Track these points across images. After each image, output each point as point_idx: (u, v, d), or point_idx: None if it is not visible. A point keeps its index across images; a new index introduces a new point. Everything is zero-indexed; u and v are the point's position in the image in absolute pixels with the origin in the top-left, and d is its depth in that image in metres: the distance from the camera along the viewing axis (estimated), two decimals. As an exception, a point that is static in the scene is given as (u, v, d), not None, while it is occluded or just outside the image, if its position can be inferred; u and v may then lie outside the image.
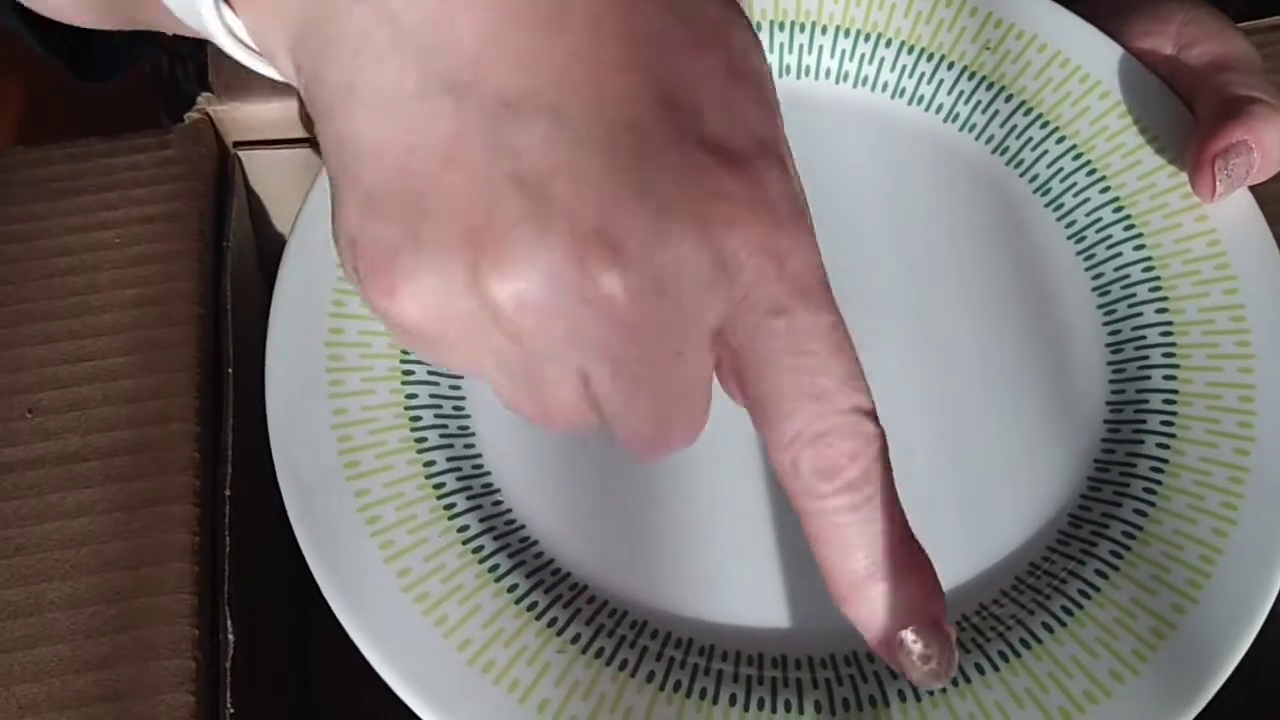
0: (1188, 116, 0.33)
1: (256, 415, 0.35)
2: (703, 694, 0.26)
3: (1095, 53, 0.34)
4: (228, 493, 0.31)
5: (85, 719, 0.28)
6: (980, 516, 0.29)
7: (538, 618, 0.27)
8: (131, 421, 0.31)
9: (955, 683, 0.26)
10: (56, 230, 0.34)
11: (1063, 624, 0.27)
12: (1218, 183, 0.31)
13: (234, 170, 0.37)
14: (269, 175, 0.39)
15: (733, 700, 0.26)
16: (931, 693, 0.26)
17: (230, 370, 0.32)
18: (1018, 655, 0.27)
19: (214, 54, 0.38)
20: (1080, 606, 0.27)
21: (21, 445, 0.31)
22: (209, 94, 0.37)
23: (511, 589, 0.27)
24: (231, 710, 0.28)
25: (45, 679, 0.28)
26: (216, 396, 0.32)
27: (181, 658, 0.28)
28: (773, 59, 0.35)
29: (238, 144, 0.38)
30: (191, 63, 0.52)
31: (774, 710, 0.26)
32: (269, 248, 0.42)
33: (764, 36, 0.34)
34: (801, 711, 0.26)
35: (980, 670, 0.27)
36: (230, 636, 0.29)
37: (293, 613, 0.43)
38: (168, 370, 0.32)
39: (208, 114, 0.37)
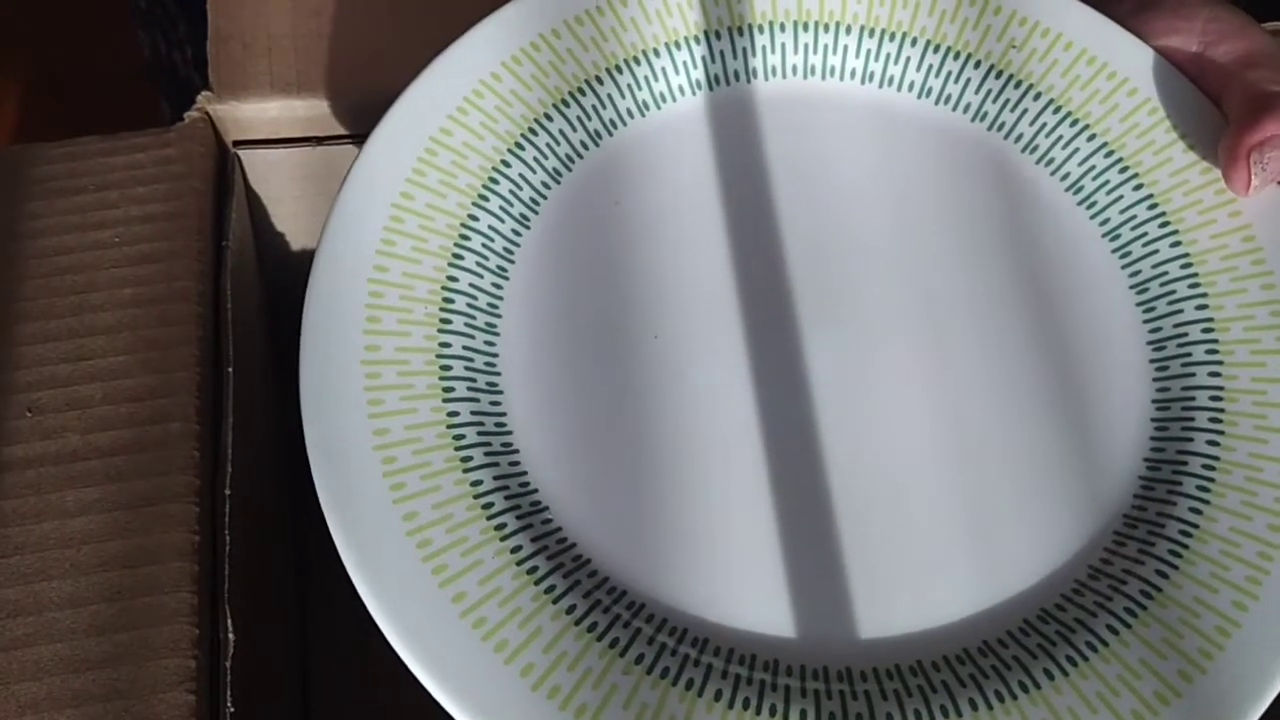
0: (1215, 114, 0.33)
1: (256, 415, 0.35)
2: (773, 710, 0.26)
3: (1122, 50, 0.34)
4: (228, 492, 0.31)
5: (85, 718, 0.27)
6: (1042, 523, 0.29)
7: (599, 639, 0.26)
8: (131, 421, 0.31)
9: (1025, 689, 0.26)
10: (55, 229, 0.34)
11: (1128, 625, 0.27)
12: (1253, 176, 0.31)
13: (234, 169, 0.37)
14: (269, 175, 0.39)
15: (803, 716, 0.26)
16: (1003, 699, 0.26)
17: (230, 370, 0.32)
18: (1085, 660, 0.27)
19: (214, 51, 0.38)
20: (1144, 607, 0.27)
21: (21, 444, 0.31)
22: (209, 93, 0.37)
23: (570, 610, 0.26)
24: (231, 710, 0.28)
25: (45, 678, 0.28)
26: (216, 396, 0.32)
27: (181, 657, 0.28)
28: (797, 60, 0.34)
29: (237, 143, 0.38)
30: (189, 47, 0.52)
31: None
32: (269, 247, 0.42)
33: (788, 37, 0.34)
34: None
35: (1050, 675, 0.27)
36: (230, 636, 0.29)
37: (293, 613, 0.43)
38: (168, 370, 0.32)
39: (207, 113, 0.37)
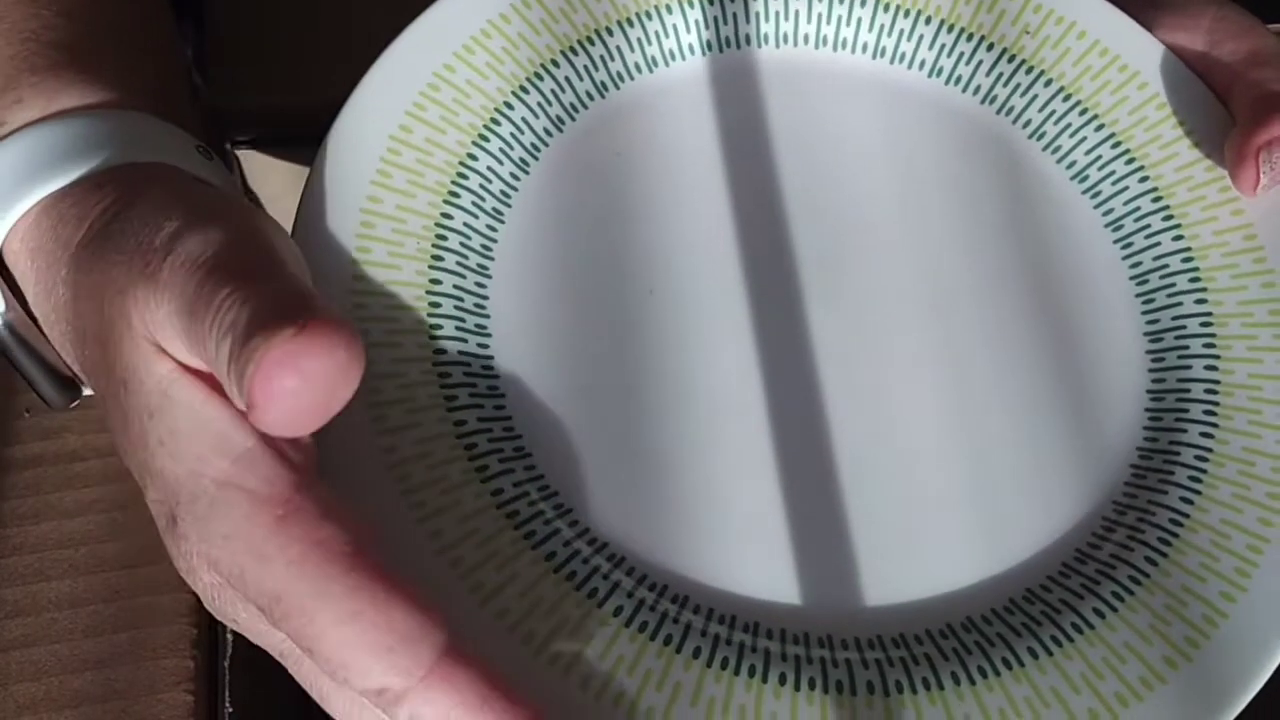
0: (1223, 113, 0.34)
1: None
2: (751, 672, 0.26)
3: (1133, 44, 0.35)
4: (227, 492, 0.31)
5: (84, 718, 0.27)
6: (1032, 503, 0.29)
7: (577, 588, 0.26)
8: (130, 420, 0.31)
9: (1009, 665, 0.26)
10: (55, 229, 0.34)
11: (1114, 610, 0.27)
12: (1261, 175, 0.32)
13: (233, 170, 0.37)
14: (268, 175, 0.39)
15: (782, 680, 0.26)
16: (985, 675, 0.26)
17: (229, 369, 0.32)
18: (1070, 641, 0.27)
19: (213, 51, 0.38)
20: (1131, 593, 0.28)
21: (19, 444, 0.31)
22: (208, 93, 0.37)
23: (549, 557, 0.26)
24: (230, 710, 0.28)
25: (43, 678, 0.28)
26: (215, 395, 0.32)
27: (180, 657, 0.28)
28: (809, 29, 0.35)
29: (236, 143, 0.38)
30: (188, 47, 0.52)
31: (825, 690, 0.26)
32: (268, 247, 0.42)
33: (801, 5, 0.34)
34: (854, 693, 0.26)
35: (1034, 654, 0.27)
36: (230, 636, 0.29)
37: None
38: (167, 369, 0.32)
39: (206, 113, 0.37)
